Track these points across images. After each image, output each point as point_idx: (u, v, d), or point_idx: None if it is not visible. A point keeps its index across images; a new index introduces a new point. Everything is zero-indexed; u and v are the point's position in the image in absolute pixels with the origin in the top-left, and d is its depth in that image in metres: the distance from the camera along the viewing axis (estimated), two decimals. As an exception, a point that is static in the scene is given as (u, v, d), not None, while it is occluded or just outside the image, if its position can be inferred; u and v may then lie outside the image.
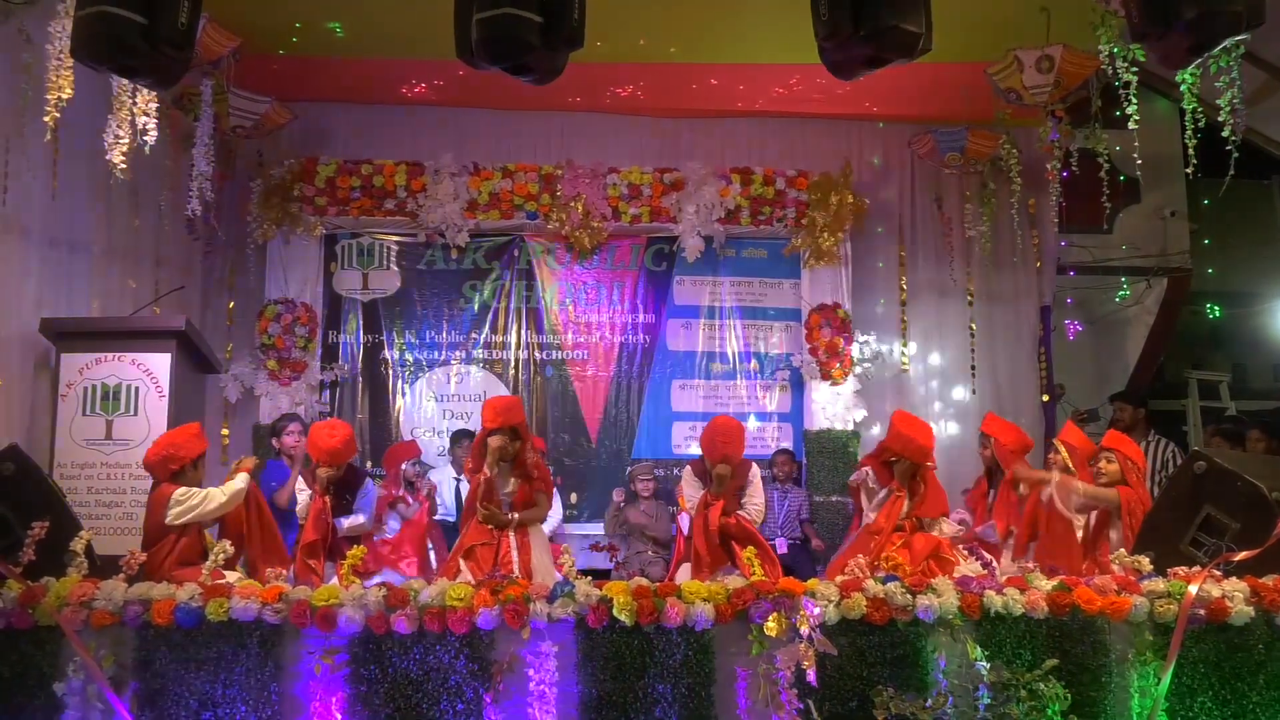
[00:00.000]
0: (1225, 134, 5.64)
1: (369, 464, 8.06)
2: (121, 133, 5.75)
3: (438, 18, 4.34)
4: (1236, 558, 4.47)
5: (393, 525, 6.33)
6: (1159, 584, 4.35)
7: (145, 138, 5.83)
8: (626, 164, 8.58)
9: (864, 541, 5.72)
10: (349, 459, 5.93)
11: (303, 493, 6.05)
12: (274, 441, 6.72)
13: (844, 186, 8.53)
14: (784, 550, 7.50)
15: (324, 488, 5.71)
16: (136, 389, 6.12)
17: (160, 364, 6.16)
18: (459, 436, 7.69)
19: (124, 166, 5.74)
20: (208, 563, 4.42)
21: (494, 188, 8.41)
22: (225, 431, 8.14)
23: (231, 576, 4.61)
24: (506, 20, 3.93)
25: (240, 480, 5.22)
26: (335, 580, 4.64)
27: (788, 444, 8.54)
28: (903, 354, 8.93)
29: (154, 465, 5.14)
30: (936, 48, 4.29)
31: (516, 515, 5.47)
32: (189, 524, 5.01)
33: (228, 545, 4.59)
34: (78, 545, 4.40)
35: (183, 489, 5.03)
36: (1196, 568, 4.45)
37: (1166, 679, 4.17)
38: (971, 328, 8.94)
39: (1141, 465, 5.62)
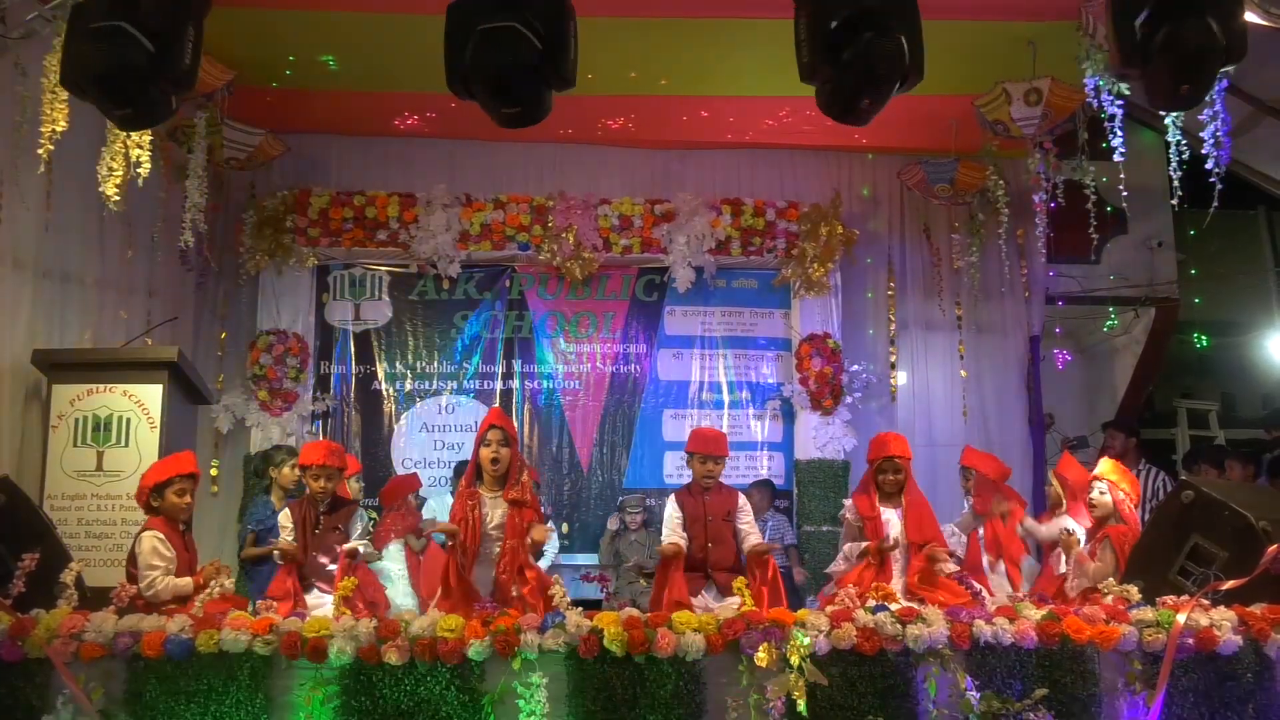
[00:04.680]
0: (1208, 166, 5.71)
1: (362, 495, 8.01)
2: (114, 165, 5.80)
3: (429, 51, 4.39)
4: (1224, 586, 4.49)
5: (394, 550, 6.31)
6: (1148, 613, 4.36)
7: (138, 170, 5.86)
8: (617, 195, 8.63)
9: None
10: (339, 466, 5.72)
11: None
12: (271, 471, 6.65)
13: (834, 217, 8.58)
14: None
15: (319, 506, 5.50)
16: (128, 420, 6.13)
17: (152, 395, 6.18)
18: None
19: (117, 199, 5.77)
20: (201, 595, 4.42)
21: (486, 219, 8.45)
22: (215, 462, 8.12)
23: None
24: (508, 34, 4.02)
25: (186, 585, 4.88)
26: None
27: (779, 473, 8.57)
28: (892, 384, 8.97)
29: (137, 499, 5.13)
30: (926, 80, 4.35)
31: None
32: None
33: (224, 579, 4.58)
34: (68, 577, 4.39)
35: (151, 568, 4.84)
36: (1185, 596, 4.47)
37: (1156, 708, 4.18)
38: (961, 357, 9.00)
39: (1136, 496, 5.61)
